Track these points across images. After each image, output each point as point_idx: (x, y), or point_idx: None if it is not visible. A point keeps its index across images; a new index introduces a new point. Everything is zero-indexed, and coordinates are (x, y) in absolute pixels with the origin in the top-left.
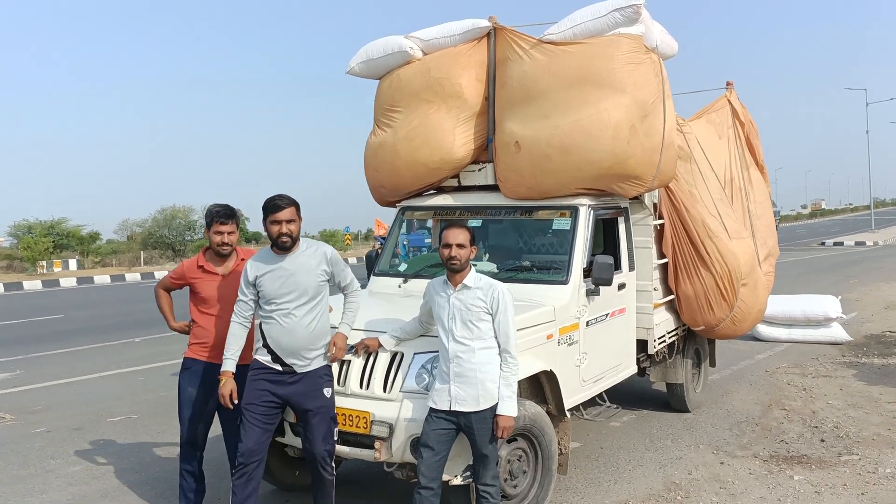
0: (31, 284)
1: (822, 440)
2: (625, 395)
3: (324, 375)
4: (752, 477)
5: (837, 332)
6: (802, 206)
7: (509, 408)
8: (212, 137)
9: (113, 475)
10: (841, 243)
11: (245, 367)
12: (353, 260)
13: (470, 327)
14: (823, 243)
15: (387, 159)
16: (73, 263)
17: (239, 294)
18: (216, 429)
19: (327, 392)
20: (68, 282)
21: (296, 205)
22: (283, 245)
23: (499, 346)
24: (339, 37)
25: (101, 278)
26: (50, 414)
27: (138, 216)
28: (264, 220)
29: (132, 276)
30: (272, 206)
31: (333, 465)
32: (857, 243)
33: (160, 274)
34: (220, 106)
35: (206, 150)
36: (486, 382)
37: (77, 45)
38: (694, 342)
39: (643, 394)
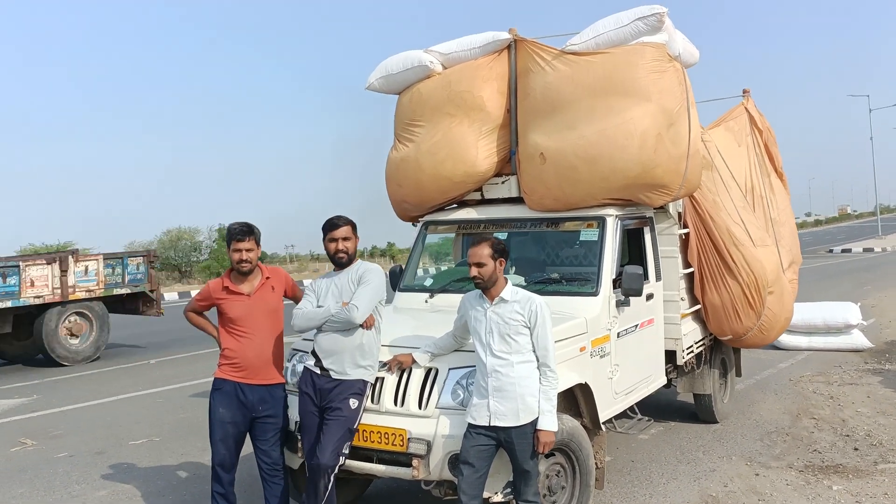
0: None
1: (856, 449)
2: (650, 407)
3: (357, 388)
4: (790, 488)
5: (858, 339)
6: (806, 214)
7: (550, 422)
8: (220, 156)
9: (140, 499)
10: (849, 250)
11: (276, 387)
12: None
13: (508, 341)
14: (831, 250)
15: (410, 174)
16: None
17: (303, 300)
18: (246, 447)
19: (353, 403)
20: None
21: (352, 224)
22: (339, 261)
23: (537, 360)
24: (353, 51)
25: None
26: (71, 438)
27: (144, 238)
28: (324, 238)
29: None
30: (330, 224)
31: (333, 479)
32: (866, 249)
33: (169, 296)
34: (229, 124)
35: (213, 170)
36: (525, 397)
37: (78, 62)
38: (720, 352)
39: (669, 405)
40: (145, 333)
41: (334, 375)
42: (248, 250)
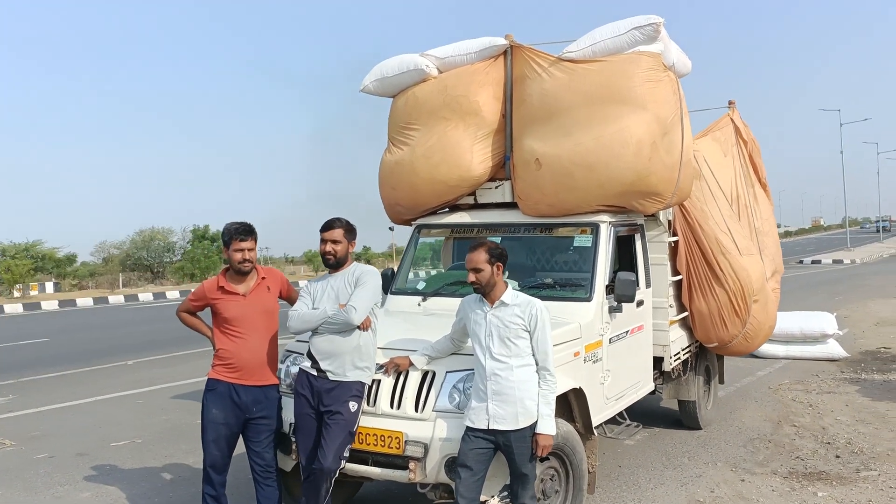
0: (12, 308)
1: (837, 456)
2: (634, 413)
3: (355, 390)
4: (776, 494)
5: (834, 349)
6: (776, 225)
7: (549, 426)
8: (196, 156)
9: (126, 501)
10: (819, 261)
11: (270, 388)
12: None
13: (508, 345)
14: (801, 261)
15: (404, 177)
16: (49, 286)
17: (298, 302)
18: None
19: (352, 406)
20: (50, 305)
21: (346, 228)
22: (327, 262)
23: (536, 364)
24: (344, 52)
25: (84, 301)
26: (51, 439)
27: (116, 238)
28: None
29: (116, 299)
30: (325, 225)
31: (332, 482)
32: (835, 261)
33: (144, 297)
34: (206, 123)
35: (189, 170)
36: (524, 400)
37: (46, 58)
38: (705, 359)
39: (653, 411)
40: (122, 335)
41: (332, 377)
42: (250, 250)
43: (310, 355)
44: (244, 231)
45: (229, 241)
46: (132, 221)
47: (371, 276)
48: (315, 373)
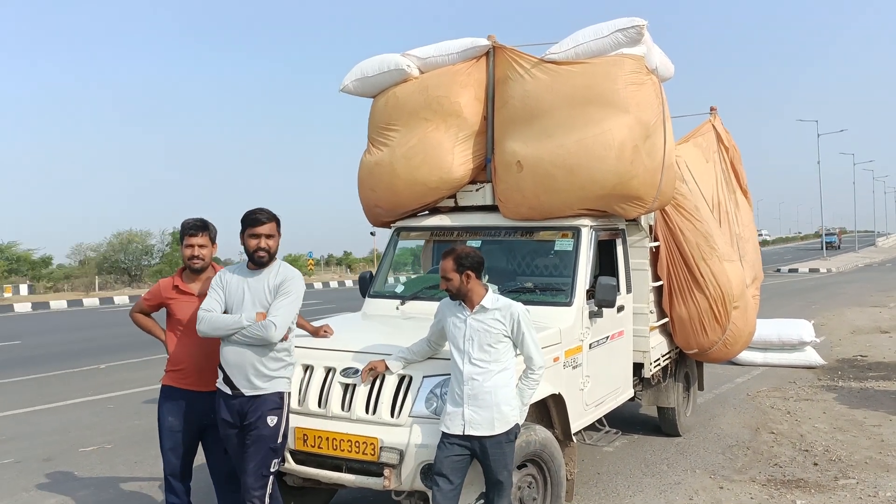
0: None
1: (815, 464)
2: (613, 420)
3: (274, 402)
4: (755, 502)
5: (811, 356)
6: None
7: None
8: (175, 158)
9: None
10: (795, 270)
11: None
12: (318, 285)
13: (487, 350)
14: (779, 270)
15: (384, 179)
16: (23, 288)
17: (208, 297)
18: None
19: (271, 421)
20: (23, 307)
21: (277, 220)
22: (259, 260)
23: (525, 364)
24: (325, 51)
25: (58, 303)
26: (17, 444)
27: (93, 240)
28: (242, 232)
29: (90, 302)
30: (252, 219)
31: (267, 500)
32: (811, 270)
33: (119, 299)
34: (185, 123)
35: (167, 172)
36: (501, 405)
37: (29, 52)
38: (684, 365)
39: (632, 418)
40: (95, 337)
41: (248, 392)
42: (200, 246)
43: (220, 367)
44: (194, 226)
45: (182, 236)
46: (111, 224)
47: (295, 284)
48: (230, 391)
